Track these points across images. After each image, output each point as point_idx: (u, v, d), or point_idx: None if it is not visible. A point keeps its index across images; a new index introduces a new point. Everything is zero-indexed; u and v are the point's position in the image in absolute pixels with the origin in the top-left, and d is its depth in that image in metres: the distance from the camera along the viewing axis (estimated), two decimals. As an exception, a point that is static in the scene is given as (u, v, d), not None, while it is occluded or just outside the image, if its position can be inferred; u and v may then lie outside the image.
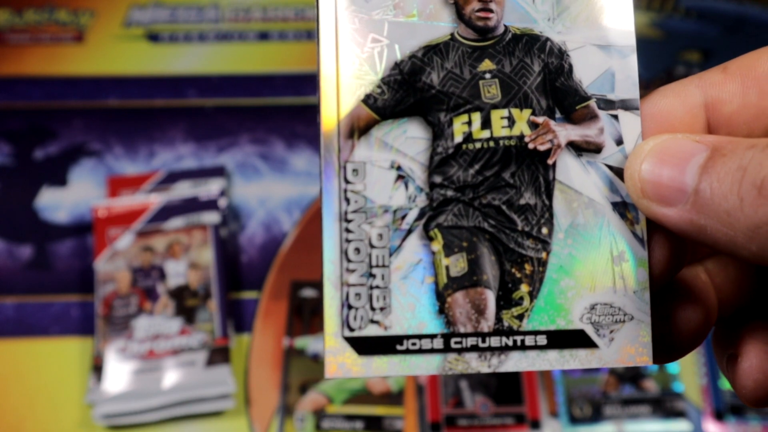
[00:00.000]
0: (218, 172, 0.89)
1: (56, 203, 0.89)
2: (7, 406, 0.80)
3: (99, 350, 0.79)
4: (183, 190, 0.87)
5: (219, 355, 0.79)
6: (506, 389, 0.79)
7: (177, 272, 0.83)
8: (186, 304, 0.82)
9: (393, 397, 0.79)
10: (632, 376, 0.81)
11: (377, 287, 0.28)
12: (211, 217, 0.85)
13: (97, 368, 0.78)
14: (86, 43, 0.97)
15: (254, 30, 0.98)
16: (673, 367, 0.81)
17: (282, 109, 0.94)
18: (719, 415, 0.79)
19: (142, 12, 0.98)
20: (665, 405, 0.79)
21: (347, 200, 0.28)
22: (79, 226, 0.88)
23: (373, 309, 0.28)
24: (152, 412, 0.78)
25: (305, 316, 0.83)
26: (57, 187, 0.90)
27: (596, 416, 0.79)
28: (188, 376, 0.78)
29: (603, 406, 0.79)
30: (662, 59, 0.97)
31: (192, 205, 0.85)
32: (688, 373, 0.82)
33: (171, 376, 0.78)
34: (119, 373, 0.78)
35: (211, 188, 0.87)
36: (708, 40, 0.99)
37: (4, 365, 0.82)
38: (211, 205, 0.86)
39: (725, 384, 0.80)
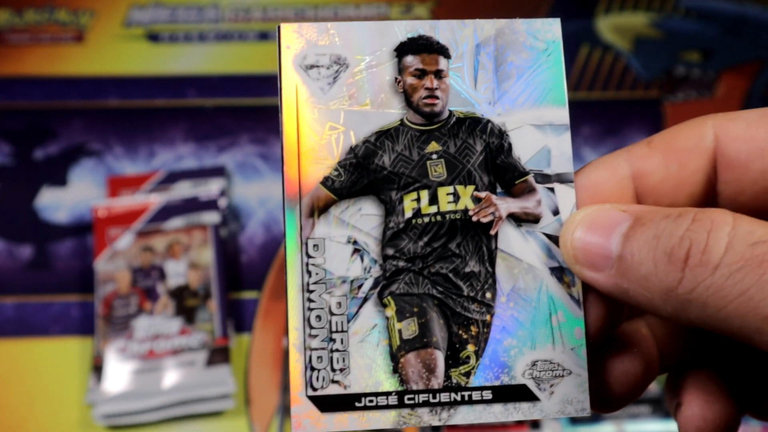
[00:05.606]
0: (218, 172, 0.89)
1: (56, 203, 0.89)
2: (7, 406, 0.80)
3: (99, 350, 0.79)
4: (183, 190, 0.87)
5: (219, 355, 0.79)
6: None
7: (177, 272, 0.83)
8: (186, 304, 0.82)
9: (393, 397, 0.79)
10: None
11: (337, 350, 0.31)
12: (211, 217, 0.85)
13: (97, 368, 0.78)
14: (86, 43, 0.97)
15: (254, 30, 0.98)
16: (673, 367, 0.81)
17: (282, 109, 0.94)
18: (719, 415, 0.79)
19: (142, 12, 0.98)
20: (665, 405, 0.79)
21: (309, 273, 0.31)
22: (79, 226, 0.88)
23: (333, 370, 0.31)
24: (152, 412, 0.78)
25: (305, 316, 0.83)
26: (57, 187, 0.90)
27: (596, 416, 0.79)
28: (188, 376, 0.78)
29: (603, 406, 0.79)
30: (662, 59, 0.97)
31: (192, 205, 0.85)
32: (688, 373, 0.82)
33: (171, 376, 0.78)
34: (119, 373, 0.78)
35: (211, 188, 0.87)
36: (708, 40, 0.99)
37: (4, 365, 0.82)
38: (211, 205, 0.86)
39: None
